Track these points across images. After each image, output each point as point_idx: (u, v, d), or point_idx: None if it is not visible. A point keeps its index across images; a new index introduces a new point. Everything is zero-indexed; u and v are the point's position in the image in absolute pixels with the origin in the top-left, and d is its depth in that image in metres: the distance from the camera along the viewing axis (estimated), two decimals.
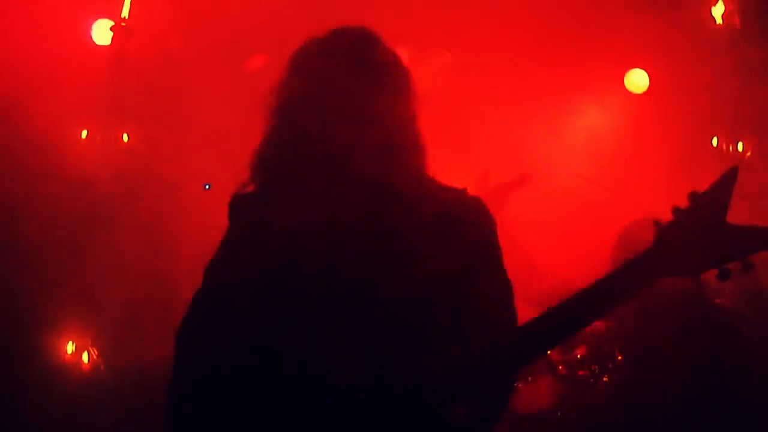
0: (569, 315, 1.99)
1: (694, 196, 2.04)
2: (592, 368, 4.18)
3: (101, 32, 5.95)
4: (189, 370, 2.17)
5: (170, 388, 2.20)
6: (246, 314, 2.11)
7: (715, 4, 6.00)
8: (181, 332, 2.22)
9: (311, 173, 2.18)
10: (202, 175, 5.93)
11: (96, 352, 5.62)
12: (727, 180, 2.04)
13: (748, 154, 5.53)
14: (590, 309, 2.00)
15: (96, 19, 5.96)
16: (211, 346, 2.14)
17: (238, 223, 2.28)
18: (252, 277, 2.12)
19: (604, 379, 4.17)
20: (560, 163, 5.75)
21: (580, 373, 4.19)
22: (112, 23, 5.90)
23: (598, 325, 4.28)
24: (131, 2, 5.88)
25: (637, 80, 6.33)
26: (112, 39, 5.90)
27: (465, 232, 2.14)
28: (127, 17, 5.86)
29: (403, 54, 2.37)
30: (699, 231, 2.01)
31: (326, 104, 2.21)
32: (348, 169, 2.16)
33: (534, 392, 4.40)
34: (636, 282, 2.02)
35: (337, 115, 2.19)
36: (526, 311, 2.12)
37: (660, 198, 5.41)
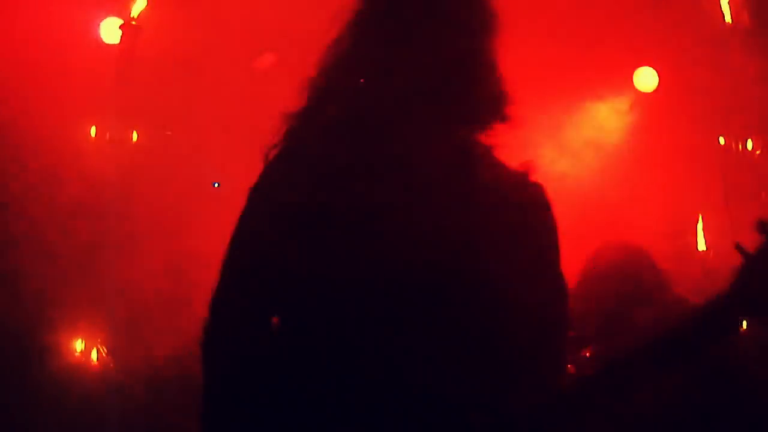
0: (632, 368, 1.70)
1: None
2: None
3: (110, 31, 5.97)
4: (222, 376, 1.94)
5: (206, 392, 1.95)
6: (280, 305, 1.91)
7: (724, 2, 6.00)
8: (208, 329, 1.99)
9: (356, 146, 1.94)
10: (211, 174, 5.94)
11: (105, 351, 5.63)
12: None
13: (758, 152, 5.52)
14: (658, 361, 1.67)
15: (104, 18, 5.98)
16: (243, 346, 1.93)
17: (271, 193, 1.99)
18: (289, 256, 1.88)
19: None
20: (567, 162, 5.74)
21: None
22: (121, 22, 5.91)
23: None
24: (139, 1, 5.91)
25: (646, 78, 6.32)
26: (121, 37, 5.92)
27: (524, 223, 1.94)
28: (136, 16, 5.88)
29: None
30: None
31: (384, 64, 1.93)
32: (397, 141, 1.93)
33: None
34: (719, 328, 1.63)
35: (392, 77, 1.93)
36: None
37: (667, 196, 5.42)
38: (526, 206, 1.96)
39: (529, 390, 1.82)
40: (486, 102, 1.96)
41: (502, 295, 1.85)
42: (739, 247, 1.64)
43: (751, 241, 1.61)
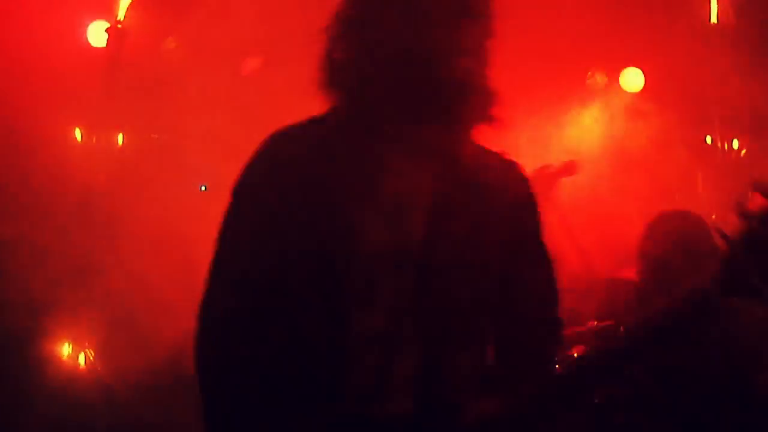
0: (631, 341, 1.79)
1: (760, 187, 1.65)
2: None
3: (96, 34, 5.95)
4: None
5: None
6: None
7: (710, 3, 6.01)
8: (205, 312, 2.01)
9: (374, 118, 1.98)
10: (198, 177, 5.93)
11: (93, 354, 5.62)
12: None
13: (743, 151, 5.54)
14: (655, 337, 1.73)
15: (91, 21, 5.97)
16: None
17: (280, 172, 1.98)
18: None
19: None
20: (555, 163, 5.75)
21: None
22: (107, 25, 5.90)
23: (591, 324, 4.30)
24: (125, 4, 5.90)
25: (633, 79, 6.34)
26: (107, 41, 5.91)
27: (510, 198, 2.04)
28: (122, 19, 5.86)
29: None
30: None
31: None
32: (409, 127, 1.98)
33: None
34: (701, 310, 1.70)
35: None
36: None
37: (655, 196, 5.44)
38: (515, 183, 2.07)
39: (533, 358, 2.02)
40: (471, 103, 1.96)
41: (503, 268, 1.99)
42: (720, 233, 1.67)
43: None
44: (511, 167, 2.11)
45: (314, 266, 1.91)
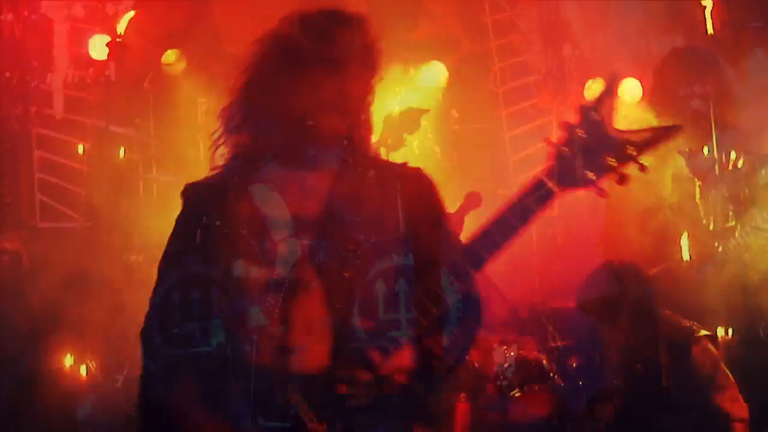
0: (492, 234, 2.14)
1: (582, 109, 2.12)
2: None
3: (98, 47, 6.00)
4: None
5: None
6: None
7: (707, 15, 6.04)
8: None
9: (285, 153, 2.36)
10: None
11: (94, 365, 5.63)
12: (610, 88, 2.13)
13: (741, 161, 5.56)
14: (510, 225, 2.13)
15: (93, 35, 6.02)
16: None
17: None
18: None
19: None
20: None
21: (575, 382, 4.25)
22: (108, 38, 5.95)
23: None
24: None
25: (630, 90, 6.37)
26: (108, 54, 5.95)
27: (413, 191, 2.39)
28: (122, 33, 5.91)
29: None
30: (590, 141, 2.10)
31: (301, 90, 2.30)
32: (317, 151, 2.34)
33: (529, 401, 4.44)
34: (542, 198, 2.13)
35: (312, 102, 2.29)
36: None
37: (652, 207, 5.46)
38: (421, 182, 2.43)
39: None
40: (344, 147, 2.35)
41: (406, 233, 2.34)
42: (547, 140, 2.15)
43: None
44: (409, 167, 2.47)
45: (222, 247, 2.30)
